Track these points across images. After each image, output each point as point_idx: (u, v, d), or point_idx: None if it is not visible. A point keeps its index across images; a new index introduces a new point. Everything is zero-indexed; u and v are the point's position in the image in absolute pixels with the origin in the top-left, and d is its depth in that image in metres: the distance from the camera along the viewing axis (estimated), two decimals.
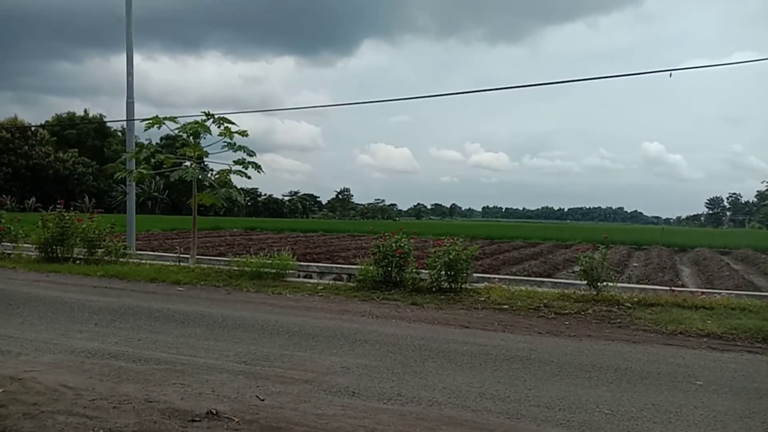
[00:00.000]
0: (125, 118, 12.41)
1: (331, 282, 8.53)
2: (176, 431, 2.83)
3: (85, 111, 62.55)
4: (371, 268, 7.71)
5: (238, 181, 10.31)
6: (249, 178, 9.88)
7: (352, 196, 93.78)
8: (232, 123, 9.57)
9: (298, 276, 9.11)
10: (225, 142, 9.53)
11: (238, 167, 9.59)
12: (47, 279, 8.29)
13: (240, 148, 9.54)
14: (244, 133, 9.59)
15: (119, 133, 58.91)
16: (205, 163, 11.43)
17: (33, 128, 53.41)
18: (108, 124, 61.40)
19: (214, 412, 3.04)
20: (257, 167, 9.70)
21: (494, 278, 8.58)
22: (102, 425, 2.86)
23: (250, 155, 9.61)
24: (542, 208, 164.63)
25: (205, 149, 9.86)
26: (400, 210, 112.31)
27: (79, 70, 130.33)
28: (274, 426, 2.93)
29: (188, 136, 9.65)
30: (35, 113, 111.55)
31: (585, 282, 7.14)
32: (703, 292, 7.37)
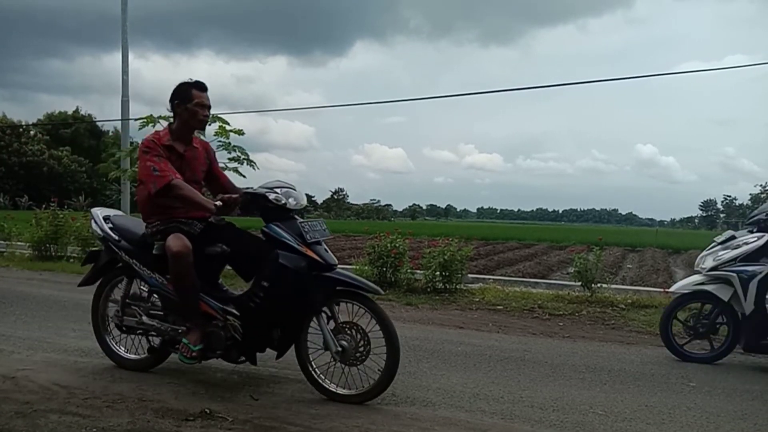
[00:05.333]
0: (119, 117, 12.36)
1: None
2: (170, 430, 2.82)
3: (77, 109, 62.24)
4: (366, 268, 7.70)
5: (233, 179, 10.27)
6: (244, 177, 9.86)
7: (347, 196, 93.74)
8: (227, 122, 9.54)
9: None
10: (220, 141, 9.49)
11: (234, 164, 9.56)
12: (41, 277, 8.25)
13: (235, 148, 9.51)
14: (240, 132, 9.55)
15: (110, 132, 58.59)
16: None
17: (25, 127, 53.11)
18: (99, 123, 61.11)
19: (208, 412, 3.03)
20: (252, 164, 9.66)
21: (489, 279, 8.60)
22: (95, 424, 2.85)
23: (245, 156, 9.58)
24: (537, 209, 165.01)
25: None
26: (396, 210, 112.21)
27: (71, 68, 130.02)
28: (267, 426, 2.92)
29: None
30: (27, 111, 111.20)
31: (579, 283, 7.16)
32: None
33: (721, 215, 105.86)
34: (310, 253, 3.22)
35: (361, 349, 3.26)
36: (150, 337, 3.74)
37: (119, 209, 13.60)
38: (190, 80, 3.54)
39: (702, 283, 4.60)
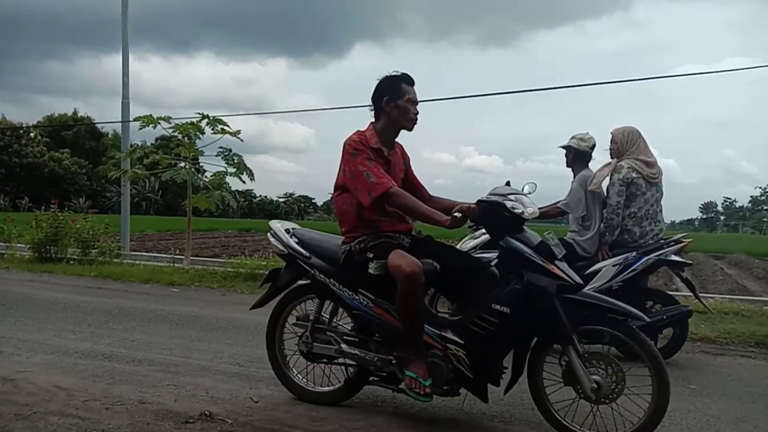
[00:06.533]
0: (120, 119, 12.39)
1: None
2: None
3: (75, 111, 62.30)
4: None
5: (233, 183, 10.31)
6: (243, 182, 9.90)
7: None
8: (226, 125, 9.54)
9: None
10: (220, 148, 9.52)
11: (233, 170, 9.58)
12: (41, 279, 8.25)
13: (234, 155, 9.53)
14: (237, 134, 9.55)
15: (109, 134, 58.65)
16: (200, 164, 11.43)
17: (25, 129, 53.15)
18: (98, 125, 61.21)
19: (208, 414, 3.03)
20: (250, 174, 9.68)
21: None
22: (95, 426, 2.85)
23: (243, 165, 9.62)
24: None
25: (200, 149, 9.85)
26: None
27: (71, 70, 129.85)
28: (268, 428, 2.92)
29: (183, 137, 9.64)
30: (27, 112, 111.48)
31: None
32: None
33: (721, 217, 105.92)
34: (557, 271, 2.77)
35: (615, 384, 2.82)
36: (346, 367, 3.28)
37: (119, 211, 13.61)
38: (396, 73, 3.12)
39: None
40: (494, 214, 2.82)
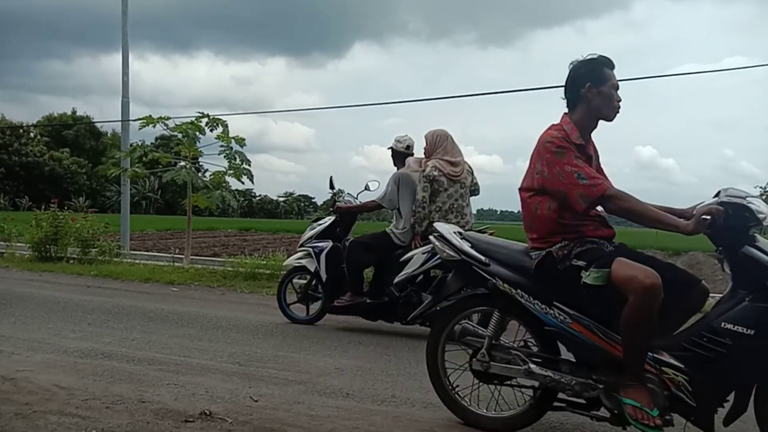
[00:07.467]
0: (120, 118, 12.39)
1: None
2: None
3: (74, 110, 62.29)
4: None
5: (233, 182, 10.30)
6: (243, 183, 9.90)
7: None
8: (226, 125, 9.53)
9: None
10: (222, 146, 9.51)
11: (231, 171, 9.57)
12: (40, 278, 8.25)
13: (236, 154, 9.53)
14: (241, 142, 9.54)
15: (108, 134, 58.68)
16: (200, 163, 11.41)
17: (25, 128, 53.17)
18: (98, 124, 61.24)
19: (208, 413, 3.03)
20: (250, 176, 9.67)
21: None
22: (94, 425, 2.84)
23: (247, 163, 9.61)
24: None
25: (200, 149, 9.84)
26: None
27: (70, 69, 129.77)
28: (267, 427, 2.92)
29: (183, 136, 9.64)
30: (26, 112, 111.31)
31: None
32: None
33: None
34: None
35: None
36: (534, 390, 2.93)
37: (119, 211, 13.59)
38: (593, 56, 2.74)
39: (301, 258, 5.52)
40: (735, 219, 2.43)
